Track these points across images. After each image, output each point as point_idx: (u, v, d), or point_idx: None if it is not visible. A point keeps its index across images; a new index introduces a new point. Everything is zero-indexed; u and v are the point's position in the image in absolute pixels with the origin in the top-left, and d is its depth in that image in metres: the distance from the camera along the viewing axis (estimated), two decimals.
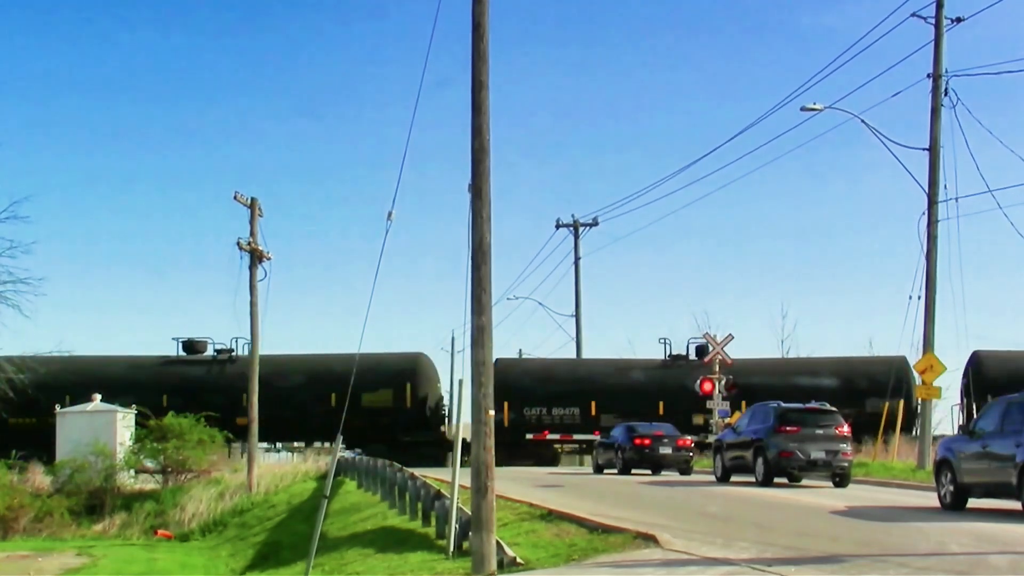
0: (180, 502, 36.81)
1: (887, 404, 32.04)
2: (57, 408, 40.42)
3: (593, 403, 42.13)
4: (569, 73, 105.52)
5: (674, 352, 44.06)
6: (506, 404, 41.75)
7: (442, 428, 45.23)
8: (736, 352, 39.39)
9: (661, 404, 41.12)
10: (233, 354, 44.23)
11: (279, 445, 47.67)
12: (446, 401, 47.68)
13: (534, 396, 42.95)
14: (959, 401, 41.42)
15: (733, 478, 26.41)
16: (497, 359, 43.98)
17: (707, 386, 37.08)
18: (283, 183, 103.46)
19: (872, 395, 38.79)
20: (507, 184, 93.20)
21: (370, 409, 40.35)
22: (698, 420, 40.64)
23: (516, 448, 41.10)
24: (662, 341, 44.32)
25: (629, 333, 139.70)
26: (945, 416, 43.73)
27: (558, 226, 54.80)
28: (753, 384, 39.43)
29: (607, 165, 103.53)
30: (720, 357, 37.10)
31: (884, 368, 38.60)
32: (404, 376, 43.49)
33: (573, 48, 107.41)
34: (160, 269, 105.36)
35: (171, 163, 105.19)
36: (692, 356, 43.37)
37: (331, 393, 39.50)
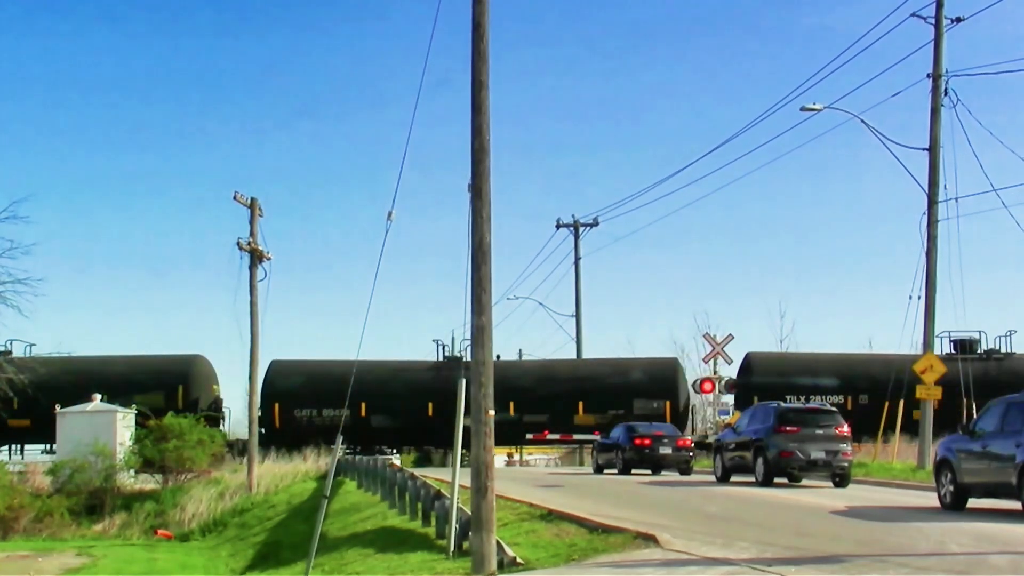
0: (180, 502, 36.82)
1: (887, 404, 32.05)
2: (58, 408, 40.45)
3: (363, 404, 41.96)
4: (569, 73, 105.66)
5: (447, 354, 44.64)
6: (276, 405, 42.95)
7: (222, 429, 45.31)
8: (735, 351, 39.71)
9: (431, 406, 41.16)
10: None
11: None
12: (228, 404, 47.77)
13: (304, 397, 42.97)
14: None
15: (733, 478, 26.42)
16: (273, 361, 44.48)
17: (707, 386, 37.14)
18: (283, 183, 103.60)
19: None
20: (507, 184, 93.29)
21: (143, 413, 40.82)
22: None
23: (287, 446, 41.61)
24: (435, 342, 45.21)
25: (629, 333, 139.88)
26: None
27: (558, 226, 54.83)
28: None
29: (607, 165, 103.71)
30: (720, 357, 37.14)
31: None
32: (177, 378, 43.93)
33: (573, 48, 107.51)
34: (160, 269, 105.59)
35: (171, 163, 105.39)
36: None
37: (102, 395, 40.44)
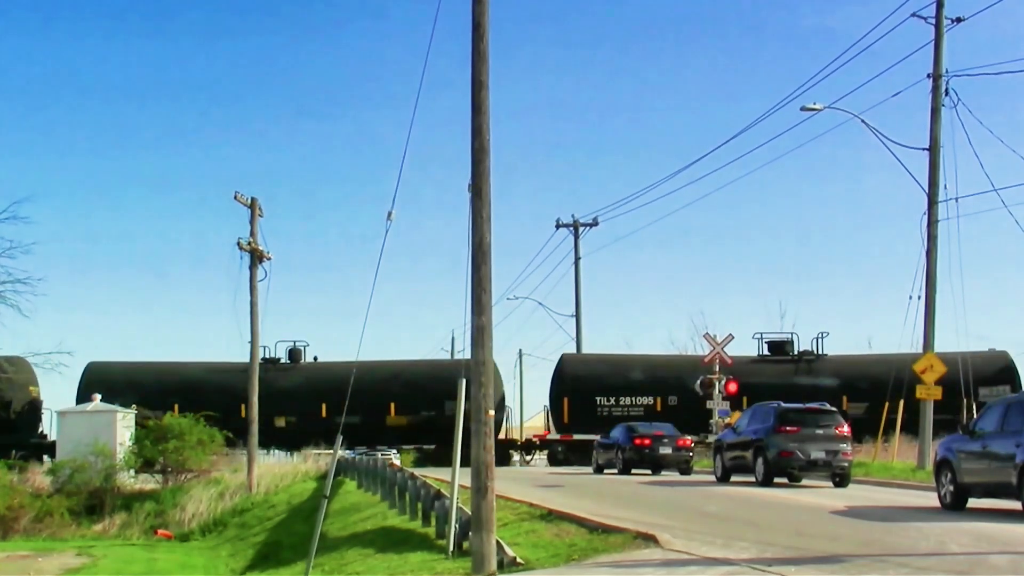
0: (180, 502, 36.81)
1: (887, 404, 32.06)
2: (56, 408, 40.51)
3: (176, 405, 42.22)
4: (569, 73, 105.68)
5: (266, 356, 45.63)
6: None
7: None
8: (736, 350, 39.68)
9: (242, 407, 40.99)
10: None
11: None
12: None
13: (125, 394, 42.95)
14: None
15: (733, 478, 26.41)
16: (90, 363, 45.22)
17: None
18: (283, 183, 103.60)
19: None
20: (507, 184, 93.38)
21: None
22: (280, 423, 43.47)
23: None
24: (263, 347, 45.86)
25: (629, 333, 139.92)
26: None
27: (558, 226, 54.84)
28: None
29: (607, 165, 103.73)
30: (720, 357, 37.12)
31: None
32: None
33: (573, 48, 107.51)
34: (160, 269, 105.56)
35: (171, 163, 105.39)
36: (285, 359, 46.93)
37: None
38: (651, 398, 44.02)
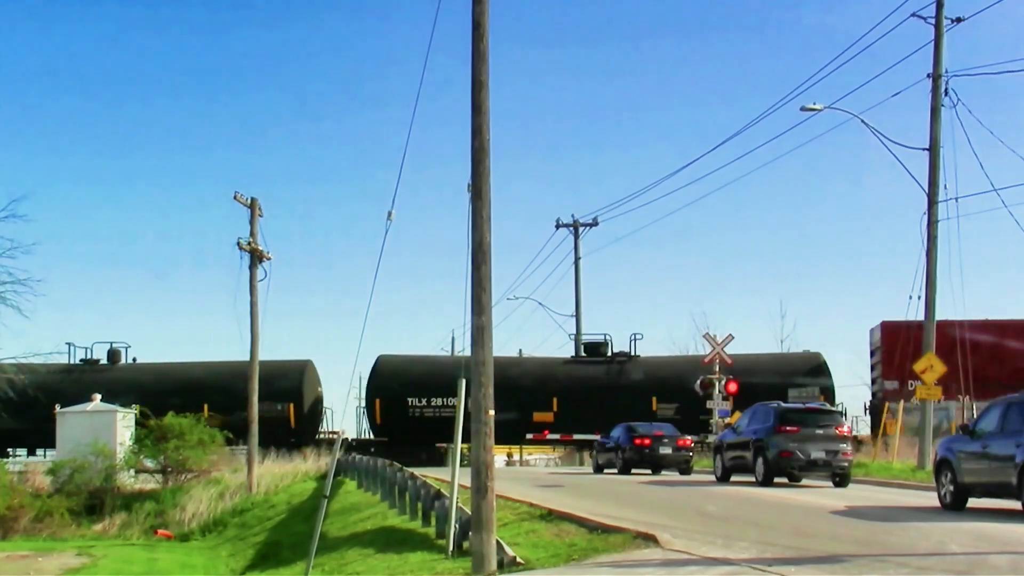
0: (180, 502, 36.81)
1: (887, 405, 32.07)
2: (57, 408, 40.47)
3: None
4: (569, 73, 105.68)
5: (82, 358, 46.64)
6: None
7: None
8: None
9: (57, 407, 41.54)
10: None
11: None
12: None
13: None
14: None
15: (733, 478, 26.41)
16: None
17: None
18: (283, 183, 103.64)
19: None
20: (507, 184, 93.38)
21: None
22: None
23: None
24: (68, 344, 46.80)
25: (628, 333, 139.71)
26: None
27: (558, 226, 54.81)
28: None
29: (607, 165, 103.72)
30: (720, 357, 37.12)
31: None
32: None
33: (573, 48, 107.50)
34: (160, 269, 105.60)
35: (171, 163, 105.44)
36: (104, 361, 47.17)
37: None
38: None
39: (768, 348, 50.77)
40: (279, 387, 43.97)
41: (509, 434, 41.05)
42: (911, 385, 41.35)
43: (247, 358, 37.93)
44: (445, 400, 43.37)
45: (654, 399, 43.61)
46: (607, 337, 47.40)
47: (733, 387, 37.17)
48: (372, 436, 47.46)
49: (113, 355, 47.82)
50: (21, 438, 45.69)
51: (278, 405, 43.93)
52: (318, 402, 48.65)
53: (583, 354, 47.56)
